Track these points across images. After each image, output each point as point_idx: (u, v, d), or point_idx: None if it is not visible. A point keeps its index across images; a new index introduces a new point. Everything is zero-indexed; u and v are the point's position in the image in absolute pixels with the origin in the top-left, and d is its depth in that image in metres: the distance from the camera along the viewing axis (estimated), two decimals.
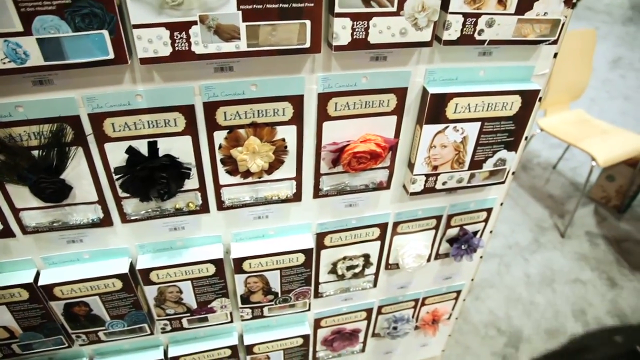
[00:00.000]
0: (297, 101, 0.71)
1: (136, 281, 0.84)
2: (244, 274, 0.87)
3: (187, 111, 0.68)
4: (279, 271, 0.88)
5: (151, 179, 0.68)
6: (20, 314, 0.83)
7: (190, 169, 0.72)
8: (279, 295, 0.93)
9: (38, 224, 0.74)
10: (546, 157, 2.77)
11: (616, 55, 4.25)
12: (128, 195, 0.74)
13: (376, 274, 1.02)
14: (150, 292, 0.85)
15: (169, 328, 0.94)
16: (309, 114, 0.73)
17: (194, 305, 0.90)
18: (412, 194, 0.85)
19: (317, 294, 1.01)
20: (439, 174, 0.83)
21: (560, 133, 2.17)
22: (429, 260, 1.03)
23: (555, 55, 0.80)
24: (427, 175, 0.83)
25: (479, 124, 0.79)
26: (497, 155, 0.84)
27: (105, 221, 0.77)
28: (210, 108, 0.68)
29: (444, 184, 0.85)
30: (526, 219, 2.31)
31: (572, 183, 2.58)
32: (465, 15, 0.66)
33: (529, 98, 0.78)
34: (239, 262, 0.84)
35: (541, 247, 2.22)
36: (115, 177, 0.70)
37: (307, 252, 0.87)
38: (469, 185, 0.87)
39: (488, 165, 0.85)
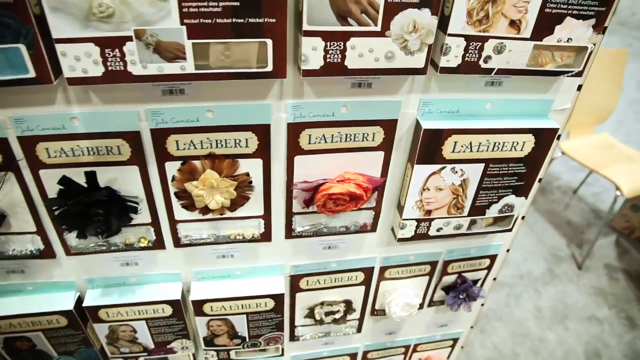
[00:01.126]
0: (262, 131, 0.60)
1: (84, 318, 0.74)
2: (206, 316, 0.77)
3: (132, 138, 0.58)
4: (245, 316, 0.78)
5: (87, 215, 0.59)
6: None
7: (137, 203, 0.63)
8: (247, 340, 0.83)
9: None
10: (567, 180, 2.59)
11: None
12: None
13: (360, 320, 0.91)
14: (101, 330, 0.76)
15: None
16: (278, 146, 0.62)
17: (151, 345, 0.81)
18: (401, 239, 0.73)
19: (293, 337, 0.90)
20: (432, 219, 0.72)
21: (583, 158, 2.01)
22: (421, 307, 0.92)
23: (580, 87, 0.68)
24: (419, 220, 0.71)
25: (482, 165, 0.67)
26: (503, 201, 0.72)
27: (47, 253, 0.68)
28: (160, 135, 0.58)
29: (438, 230, 0.74)
30: (541, 247, 2.15)
31: (593, 210, 2.41)
32: (469, 38, 0.54)
33: (545, 138, 0.66)
34: (199, 305, 0.74)
35: (555, 278, 2.06)
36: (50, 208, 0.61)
37: (277, 298, 0.76)
38: (468, 232, 0.75)
39: (492, 212, 0.73)
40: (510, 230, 0.78)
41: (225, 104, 0.57)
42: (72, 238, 0.66)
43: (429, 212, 0.71)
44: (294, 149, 0.63)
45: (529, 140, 0.66)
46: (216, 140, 0.60)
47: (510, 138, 0.65)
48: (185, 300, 0.76)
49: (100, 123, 0.56)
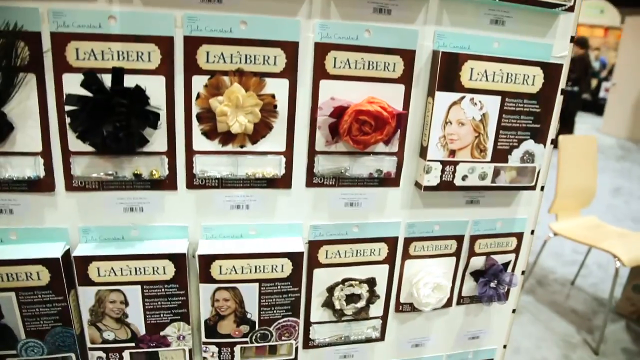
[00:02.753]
0: (290, 49, 0.62)
1: (70, 280, 0.63)
2: (213, 283, 0.66)
3: (165, 45, 0.59)
4: (257, 285, 0.67)
5: (108, 108, 0.55)
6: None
7: (158, 112, 0.60)
8: (256, 328, 0.70)
9: None
10: (562, 273, 2.54)
11: (617, 185, 4.33)
12: (78, 150, 0.60)
13: (384, 318, 0.79)
14: (87, 297, 0.64)
15: None
16: (304, 68, 0.64)
17: (142, 330, 0.67)
18: (427, 188, 0.70)
19: (307, 341, 0.77)
20: (457, 162, 0.70)
21: (576, 236, 2.01)
22: (449, 304, 0.81)
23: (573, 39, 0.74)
24: (444, 164, 0.69)
25: (499, 98, 0.69)
26: (523, 146, 0.72)
27: (45, 183, 0.61)
28: (192, 44, 0.59)
29: (464, 178, 0.71)
30: (551, 335, 1.99)
31: (595, 298, 2.31)
32: None
33: (552, 73, 0.70)
34: (206, 263, 0.65)
35: None
36: (66, 107, 0.57)
37: (295, 258, 0.68)
38: (494, 185, 0.73)
39: (514, 159, 0.72)
40: (533, 187, 0.75)
41: (260, 16, 0.60)
42: (78, 165, 0.61)
43: (453, 153, 0.69)
44: (320, 72, 0.64)
45: (538, 75, 0.69)
46: (246, 55, 0.61)
47: (521, 70, 0.68)
48: (188, 266, 0.66)
49: (137, 25, 0.57)
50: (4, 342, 0.64)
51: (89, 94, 0.56)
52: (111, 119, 0.56)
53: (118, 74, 0.57)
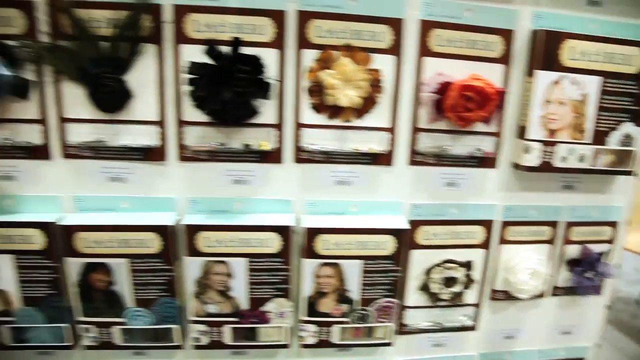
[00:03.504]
0: (396, 26, 0.64)
1: (177, 251, 0.64)
2: (316, 258, 0.66)
3: (278, 18, 0.62)
4: (360, 262, 0.67)
5: (229, 75, 0.58)
6: (27, 273, 0.63)
7: (274, 83, 0.62)
8: (356, 307, 0.69)
9: (81, 144, 0.62)
10: (627, 292, 2.42)
11: None
12: (191, 120, 0.63)
13: (478, 306, 0.77)
14: (193, 267, 0.65)
15: (204, 341, 0.68)
16: (408, 45, 0.66)
17: (244, 304, 0.67)
18: (526, 168, 0.69)
19: (402, 327, 0.75)
20: (556, 143, 0.69)
21: None
22: (543, 295, 0.79)
23: None
24: (544, 144, 0.69)
25: (598, 79, 0.69)
26: (622, 128, 0.71)
27: (158, 152, 0.63)
28: (304, 19, 0.62)
29: (563, 159, 0.70)
30: (622, 356, 1.88)
31: None
32: None
33: None
34: (311, 236, 0.65)
35: None
36: (188, 75, 0.59)
37: (400, 236, 0.67)
38: (592, 168, 0.72)
39: (613, 141, 0.71)
40: (630, 172, 0.74)
41: None
42: (190, 135, 0.63)
43: (552, 132, 0.69)
44: (423, 49, 0.66)
45: (637, 55, 0.70)
46: (354, 31, 0.64)
47: (620, 50, 0.69)
48: (291, 243, 0.66)
49: None
50: (112, 308, 0.65)
51: (210, 62, 0.59)
52: (231, 86, 0.59)
53: (237, 44, 0.60)
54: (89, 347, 0.68)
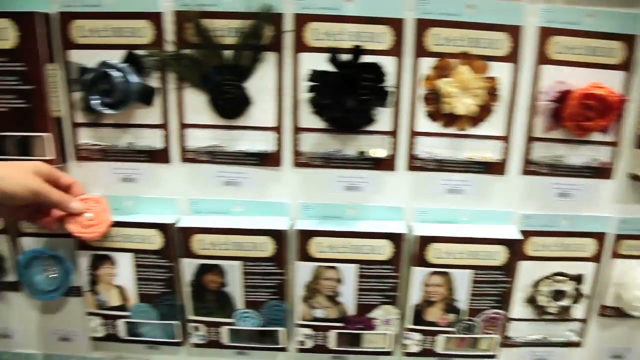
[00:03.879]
0: (514, 33, 0.62)
1: (286, 254, 0.65)
2: (427, 266, 0.65)
3: (397, 26, 0.61)
4: (470, 273, 0.66)
5: (352, 83, 0.57)
6: (144, 271, 0.66)
7: (393, 91, 0.61)
8: (463, 317, 0.68)
9: (199, 149, 0.63)
10: None
11: None
12: (306, 127, 0.63)
13: (585, 321, 0.73)
14: (304, 272, 0.65)
15: (309, 344, 0.69)
16: (526, 52, 0.63)
17: (351, 310, 0.67)
18: None
19: (505, 340, 0.73)
20: None
21: None
22: None
23: None
24: None
25: None
26: None
27: (274, 158, 0.64)
28: (422, 27, 0.61)
29: None
30: None
31: None
32: None
33: None
34: (424, 244, 0.64)
35: None
36: (309, 83, 0.59)
37: (512, 246, 0.65)
38: None
39: None
40: None
41: (486, 0, 0.61)
42: (306, 141, 0.63)
43: None
44: (541, 56, 0.63)
45: None
46: (471, 39, 0.62)
47: None
48: (402, 250, 0.65)
49: (371, 7, 0.60)
50: (223, 308, 0.67)
51: (330, 70, 0.59)
52: (355, 94, 0.58)
53: (359, 52, 0.59)
54: (196, 345, 0.70)
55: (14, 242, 0.69)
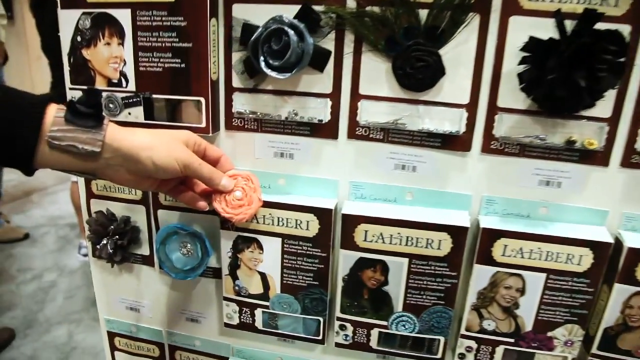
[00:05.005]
0: None
1: (462, 255, 0.55)
2: (635, 286, 0.54)
3: None
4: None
5: (585, 55, 0.45)
6: (291, 260, 0.59)
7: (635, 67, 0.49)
8: None
9: (372, 125, 0.54)
10: None
11: None
12: (506, 107, 0.52)
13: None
14: (481, 278, 0.56)
15: (470, 358, 0.60)
16: None
17: (528, 325, 0.57)
18: None
19: None
20: None
21: None
22: None
23: None
24: None
25: None
26: None
27: (462, 141, 0.54)
28: None
29: None
30: None
31: None
32: None
33: None
34: (634, 258, 0.53)
35: None
36: (523, 52, 0.48)
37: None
38: None
39: None
40: None
41: None
42: (502, 124, 0.52)
43: None
44: None
45: None
46: None
47: None
48: (602, 262, 0.54)
49: None
50: (377, 309, 0.59)
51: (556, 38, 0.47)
52: (588, 70, 0.46)
53: (593, 17, 0.46)
54: (338, 345, 0.63)
55: (151, 214, 0.64)
